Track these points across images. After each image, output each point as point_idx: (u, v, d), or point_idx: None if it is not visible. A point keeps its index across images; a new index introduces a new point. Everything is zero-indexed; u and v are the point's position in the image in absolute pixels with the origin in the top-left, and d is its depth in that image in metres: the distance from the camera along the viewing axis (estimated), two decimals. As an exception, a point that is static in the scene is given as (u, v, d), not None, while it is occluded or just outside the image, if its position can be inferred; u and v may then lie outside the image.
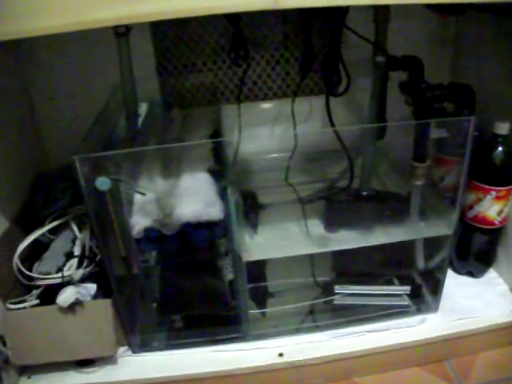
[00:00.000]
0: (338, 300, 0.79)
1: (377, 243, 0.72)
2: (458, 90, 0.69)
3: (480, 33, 0.86)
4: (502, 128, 0.73)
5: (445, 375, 0.75)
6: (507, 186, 0.76)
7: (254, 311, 0.79)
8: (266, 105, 0.97)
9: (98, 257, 0.71)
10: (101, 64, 0.84)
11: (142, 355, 0.75)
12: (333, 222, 0.76)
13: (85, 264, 0.71)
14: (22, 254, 0.72)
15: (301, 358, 0.73)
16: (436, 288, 0.78)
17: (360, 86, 0.75)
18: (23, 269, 0.71)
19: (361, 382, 0.75)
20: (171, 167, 0.68)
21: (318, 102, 0.90)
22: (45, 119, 0.91)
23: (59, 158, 0.86)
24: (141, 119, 0.77)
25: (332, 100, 0.75)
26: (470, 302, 0.80)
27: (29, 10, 0.49)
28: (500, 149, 0.74)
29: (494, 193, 0.76)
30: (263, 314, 0.80)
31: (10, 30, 0.49)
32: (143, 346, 0.75)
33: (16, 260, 0.71)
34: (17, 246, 0.72)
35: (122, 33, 0.65)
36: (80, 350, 0.70)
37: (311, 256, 0.81)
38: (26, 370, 0.72)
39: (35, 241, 0.75)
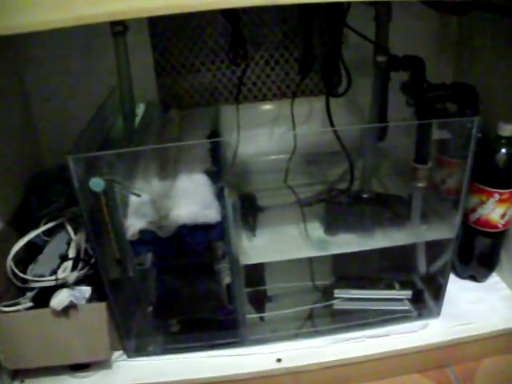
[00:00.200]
0: (337, 305, 0.79)
1: (377, 247, 0.71)
2: (460, 90, 0.68)
3: (484, 33, 0.86)
4: (506, 129, 0.72)
5: (447, 382, 0.74)
6: (511, 188, 0.75)
7: (252, 316, 0.78)
8: (265, 106, 0.96)
9: (93, 259, 0.70)
10: (98, 64, 0.84)
11: (138, 360, 0.74)
12: (333, 224, 0.75)
13: (80, 266, 0.70)
14: (16, 255, 0.71)
15: (299, 364, 0.72)
16: (438, 293, 0.77)
17: (361, 86, 0.75)
18: (17, 271, 0.70)
19: (360, 388, 0.74)
20: (167, 168, 0.67)
21: (318, 102, 0.90)
22: (41, 119, 0.90)
23: (55, 158, 0.85)
24: (138, 120, 0.76)
25: (332, 101, 0.75)
26: (473, 306, 0.79)
27: (22, 4, 0.48)
28: (503, 151, 0.73)
29: (497, 195, 0.75)
30: (261, 318, 0.79)
31: (0, 26, 0.48)
32: (138, 351, 0.74)
33: (10, 262, 0.70)
34: (11, 247, 0.71)
35: (118, 32, 0.64)
36: (74, 354, 0.69)
37: (310, 259, 0.80)
38: (19, 374, 0.71)
39: (30, 242, 0.74)
